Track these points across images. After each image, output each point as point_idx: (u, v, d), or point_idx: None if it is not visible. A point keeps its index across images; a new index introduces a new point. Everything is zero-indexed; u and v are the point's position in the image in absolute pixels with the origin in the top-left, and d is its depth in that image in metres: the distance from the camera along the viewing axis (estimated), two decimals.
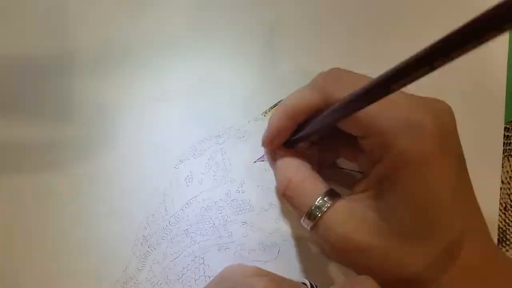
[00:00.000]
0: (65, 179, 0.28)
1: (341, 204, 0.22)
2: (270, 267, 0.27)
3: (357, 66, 0.30)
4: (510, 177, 0.30)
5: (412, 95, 0.22)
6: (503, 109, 0.31)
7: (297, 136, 0.25)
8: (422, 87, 0.20)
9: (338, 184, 0.27)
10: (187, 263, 0.27)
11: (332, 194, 0.23)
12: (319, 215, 0.22)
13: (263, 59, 0.31)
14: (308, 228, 0.23)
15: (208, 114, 0.30)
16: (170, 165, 0.29)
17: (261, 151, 0.29)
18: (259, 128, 0.29)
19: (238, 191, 0.28)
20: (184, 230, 0.28)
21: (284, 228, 0.28)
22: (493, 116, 0.31)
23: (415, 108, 0.21)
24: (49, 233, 0.28)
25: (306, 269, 0.27)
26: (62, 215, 0.28)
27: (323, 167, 0.27)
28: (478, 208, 0.22)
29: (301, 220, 0.23)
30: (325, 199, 0.22)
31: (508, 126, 0.30)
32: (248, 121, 0.30)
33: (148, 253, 0.27)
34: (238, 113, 0.30)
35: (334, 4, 0.32)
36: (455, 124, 0.22)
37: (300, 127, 0.24)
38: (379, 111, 0.21)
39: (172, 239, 0.28)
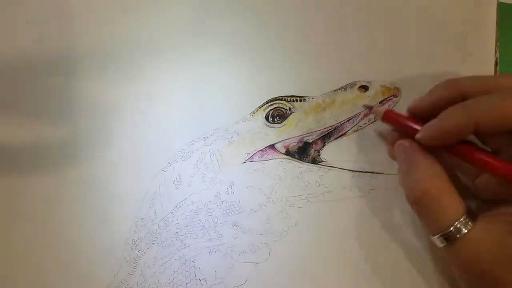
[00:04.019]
0: (54, 183, 0.28)
1: (482, 226, 0.21)
2: (262, 269, 0.27)
3: (354, 68, 0.30)
4: None
5: None
6: None
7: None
8: None
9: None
10: (177, 267, 0.27)
11: (471, 215, 0.22)
12: (458, 236, 0.21)
13: (251, 60, 0.30)
14: (441, 245, 0.22)
15: (196, 115, 0.29)
16: (159, 168, 0.29)
17: (250, 151, 0.29)
18: (248, 129, 0.29)
19: (227, 193, 0.28)
20: (174, 233, 0.27)
21: (274, 229, 0.28)
22: None
23: None
24: (39, 237, 0.27)
25: (299, 270, 0.27)
26: (52, 219, 0.28)
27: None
28: None
29: (434, 237, 0.22)
30: (465, 220, 0.21)
31: None
32: (236, 122, 0.29)
33: (139, 257, 0.27)
34: (226, 114, 0.29)
35: (327, 8, 0.32)
36: None
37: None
38: None
39: (162, 242, 0.27)
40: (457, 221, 0.21)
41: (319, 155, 0.29)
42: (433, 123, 0.23)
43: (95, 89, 0.30)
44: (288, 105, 0.29)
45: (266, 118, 0.29)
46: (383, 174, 0.28)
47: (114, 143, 0.29)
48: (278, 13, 0.31)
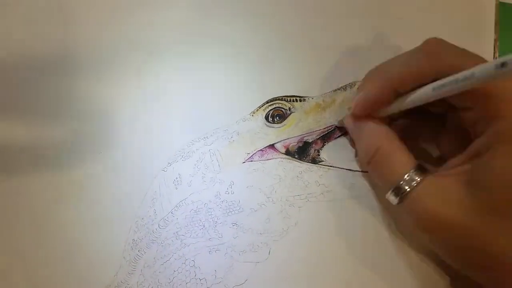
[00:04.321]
0: (53, 183, 0.28)
1: (430, 179, 0.22)
2: (262, 268, 0.27)
3: (354, 68, 0.30)
4: None
5: None
6: None
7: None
8: None
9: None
10: (177, 266, 0.27)
11: (421, 169, 0.22)
12: (408, 189, 0.22)
13: (251, 60, 0.31)
14: (395, 202, 0.23)
15: (196, 115, 0.30)
16: (159, 167, 0.29)
17: (250, 151, 0.29)
18: (248, 129, 0.29)
19: (227, 192, 0.28)
20: (174, 233, 0.27)
21: (274, 228, 0.28)
22: None
23: None
24: (38, 238, 0.27)
25: (299, 270, 0.27)
26: (51, 219, 0.28)
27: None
28: None
29: (387, 194, 0.23)
30: (415, 173, 0.22)
31: None
32: (236, 122, 0.29)
33: (138, 257, 0.27)
34: (226, 114, 0.29)
35: (327, 8, 0.32)
36: None
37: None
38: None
39: (162, 242, 0.27)
40: (406, 174, 0.22)
41: (319, 155, 0.29)
42: (359, 97, 0.24)
43: (94, 89, 0.30)
44: (288, 105, 0.29)
45: (266, 118, 0.29)
46: None
47: (114, 143, 0.29)
48: (278, 14, 0.31)
